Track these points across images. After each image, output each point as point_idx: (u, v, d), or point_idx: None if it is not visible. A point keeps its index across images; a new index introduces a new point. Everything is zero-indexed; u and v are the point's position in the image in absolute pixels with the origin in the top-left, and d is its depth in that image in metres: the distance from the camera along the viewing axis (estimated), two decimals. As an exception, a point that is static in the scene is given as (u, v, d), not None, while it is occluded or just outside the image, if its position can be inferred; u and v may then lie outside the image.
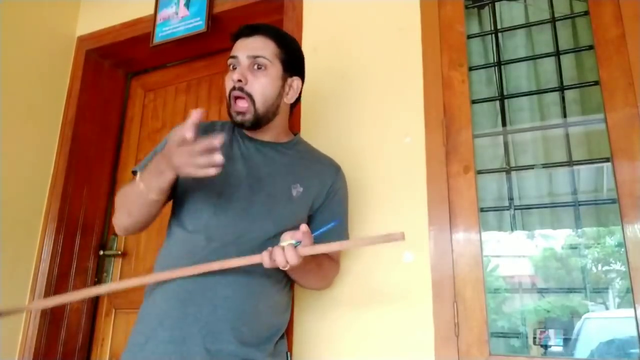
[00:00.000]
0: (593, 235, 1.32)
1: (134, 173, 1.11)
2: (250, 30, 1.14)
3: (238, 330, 1.05)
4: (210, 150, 0.89)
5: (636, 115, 1.22)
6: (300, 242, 0.97)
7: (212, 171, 0.90)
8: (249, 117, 1.11)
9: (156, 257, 1.17)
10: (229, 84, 1.12)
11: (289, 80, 1.18)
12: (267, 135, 1.20)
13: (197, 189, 1.12)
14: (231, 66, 1.14)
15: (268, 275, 1.10)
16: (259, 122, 1.14)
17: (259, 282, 1.10)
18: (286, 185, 1.18)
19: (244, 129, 1.16)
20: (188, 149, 0.89)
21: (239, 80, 1.10)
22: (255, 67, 1.12)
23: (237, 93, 1.10)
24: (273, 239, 1.09)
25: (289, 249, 0.95)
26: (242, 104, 1.11)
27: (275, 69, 1.13)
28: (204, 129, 1.13)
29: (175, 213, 1.15)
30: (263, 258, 0.97)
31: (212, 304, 1.04)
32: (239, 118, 1.12)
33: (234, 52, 1.14)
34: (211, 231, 1.09)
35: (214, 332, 1.03)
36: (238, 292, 1.07)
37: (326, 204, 1.22)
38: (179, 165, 0.92)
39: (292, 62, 1.18)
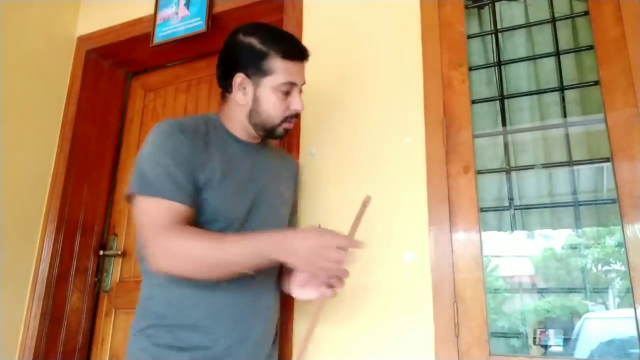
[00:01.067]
0: (593, 235, 1.32)
1: (140, 194, 1.02)
2: (304, 55, 1.15)
3: (270, 337, 1.18)
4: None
5: (636, 115, 1.22)
6: None
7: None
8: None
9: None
10: (285, 110, 1.13)
11: None
12: (251, 137, 1.21)
13: (210, 200, 1.08)
14: (286, 91, 1.12)
15: (275, 282, 1.21)
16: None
17: (277, 289, 1.21)
18: (277, 186, 1.24)
19: (273, 138, 1.20)
20: (336, 256, 0.95)
21: (297, 109, 1.14)
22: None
23: (294, 118, 1.16)
24: None
25: (341, 281, 1.07)
26: (292, 123, 1.17)
27: None
28: (193, 131, 1.08)
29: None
30: (327, 295, 1.07)
31: (262, 315, 1.14)
32: (284, 134, 1.17)
33: (295, 79, 1.12)
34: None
35: (259, 343, 1.14)
36: (272, 301, 1.19)
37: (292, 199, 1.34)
38: (313, 266, 0.97)
39: None
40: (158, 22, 1.98)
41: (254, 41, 1.11)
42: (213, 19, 1.89)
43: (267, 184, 1.20)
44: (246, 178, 1.15)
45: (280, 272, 1.23)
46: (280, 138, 1.21)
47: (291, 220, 1.36)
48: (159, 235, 0.97)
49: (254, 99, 1.12)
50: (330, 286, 1.05)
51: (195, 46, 2.02)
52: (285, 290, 1.21)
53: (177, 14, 1.95)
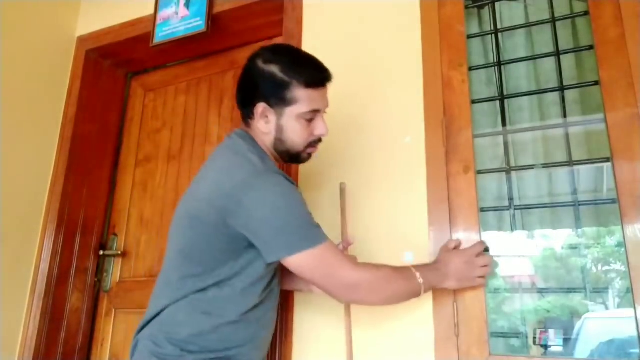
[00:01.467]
0: (593, 235, 1.32)
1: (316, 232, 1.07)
2: (326, 80, 1.16)
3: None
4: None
5: (636, 115, 1.22)
6: None
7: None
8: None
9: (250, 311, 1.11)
10: (310, 137, 1.14)
11: None
12: None
13: None
14: (307, 119, 1.13)
15: None
16: None
17: None
18: None
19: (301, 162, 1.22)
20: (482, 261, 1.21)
21: (322, 134, 1.16)
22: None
23: (318, 143, 1.18)
24: None
25: None
26: (316, 148, 1.19)
27: None
28: (284, 175, 1.09)
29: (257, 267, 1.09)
30: None
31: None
32: (308, 158, 1.20)
33: (317, 107, 1.13)
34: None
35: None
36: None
37: None
38: (469, 279, 1.21)
39: None
40: (158, 22, 1.98)
41: (275, 69, 1.09)
42: (213, 19, 1.89)
43: None
44: None
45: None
46: (304, 162, 1.21)
47: None
48: (352, 271, 1.06)
49: (277, 128, 1.12)
50: None
51: (195, 46, 2.02)
52: (302, 288, 1.30)
53: (177, 14, 1.95)
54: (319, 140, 1.17)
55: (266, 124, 1.12)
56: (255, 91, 1.11)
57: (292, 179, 1.52)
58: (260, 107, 1.10)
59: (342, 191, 1.18)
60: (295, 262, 1.02)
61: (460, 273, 1.19)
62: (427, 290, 1.15)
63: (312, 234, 1.04)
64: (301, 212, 1.05)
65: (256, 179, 1.03)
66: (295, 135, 1.12)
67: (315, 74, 1.12)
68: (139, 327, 1.14)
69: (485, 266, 1.22)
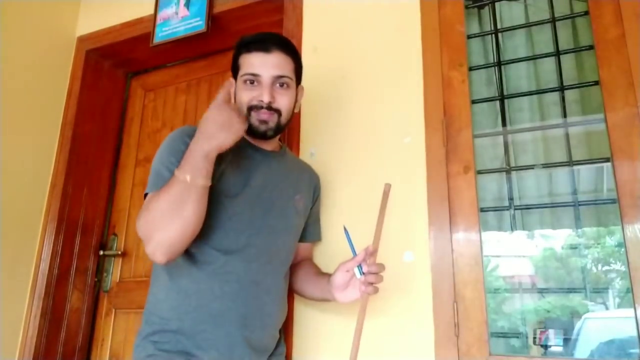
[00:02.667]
0: (593, 235, 1.32)
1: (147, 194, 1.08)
2: (267, 45, 1.14)
3: (274, 340, 1.21)
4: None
5: (636, 115, 1.22)
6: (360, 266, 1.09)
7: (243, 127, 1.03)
8: (272, 126, 1.15)
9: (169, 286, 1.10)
10: (251, 100, 1.13)
11: (298, 89, 1.23)
12: (269, 145, 1.23)
13: (226, 207, 1.11)
14: (249, 81, 1.14)
15: (283, 290, 1.23)
16: (278, 133, 1.19)
17: (283, 298, 1.24)
18: (291, 196, 1.25)
19: (260, 136, 1.17)
20: (226, 107, 1.02)
21: (261, 100, 1.13)
22: (278, 85, 1.15)
23: (264, 111, 1.13)
24: (290, 253, 1.24)
25: (378, 276, 1.08)
26: (266, 115, 1.14)
27: (293, 84, 1.19)
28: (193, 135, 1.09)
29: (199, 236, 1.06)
30: (369, 292, 1.08)
31: (262, 322, 1.14)
32: (262, 127, 1.14)
33: (255, 70, 1.13)
34: (250, 250, 1.13)
35: (261, 349, 1.15)
36: (278, 306, 1.20)
37: (312, 210, 1.36)
38: (221, 128, 1.00)
39: (300, 73, 1.24)
40: (158, 22, 1.98)
41: (235, 46, 1.19)
42: (213, 19, 1.89)
43: (281, 192, 1.22)
44: (260, 184, 1.17)
45: (315, 279, 1.25)
46: (264, 134, 1.16)
47: (313, 231, 1.37)
48: (138, 222, 1.02)
49: (235, 95, 1.17)
50: (369, 284, 1.08)
51: (195, 46, 2.02)
52: (326, 297, 1.20)
53: (177, 14, 1.95)
54: (266, 108, 1.13)
55: (232, 94, 1.18)
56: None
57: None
58: (231, 83, 1.17)
59: (385, 193, 1.12)
60: None
61: (216, 124, 1.02)
62: (200, 171, 0.97)
63: (156, 180, 1.07)
64: (163, 161, 1.08)
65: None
66: (239, 98, 1.15)
67: (255, 40, 1.15)
68: None
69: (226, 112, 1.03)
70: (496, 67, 1.49)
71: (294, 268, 1.31)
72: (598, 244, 1.31)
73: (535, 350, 1.30)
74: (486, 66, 1.50)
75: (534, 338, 1.30)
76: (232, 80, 1.17)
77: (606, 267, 1.31)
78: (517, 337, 1.32)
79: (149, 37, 1.98)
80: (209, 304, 1.07)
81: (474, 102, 1.43)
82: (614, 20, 1.30)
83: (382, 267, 1.08)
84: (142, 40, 2.03)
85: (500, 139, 1.45)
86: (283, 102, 1.15)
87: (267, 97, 1.12)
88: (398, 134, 1.45)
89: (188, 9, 1.93)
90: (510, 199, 1.39)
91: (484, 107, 1.47)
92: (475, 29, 1.55)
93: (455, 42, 1.46)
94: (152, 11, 2.01)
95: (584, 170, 1.34)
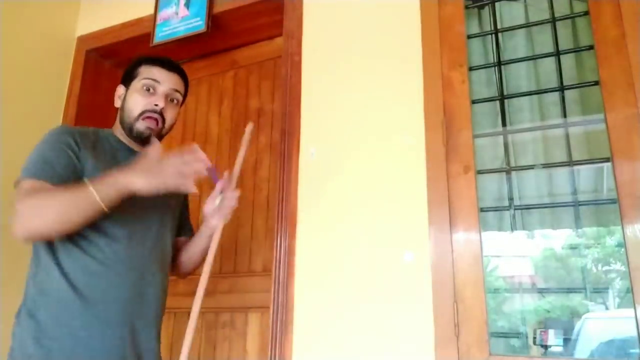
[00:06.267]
0: (593, 235, 1.32)
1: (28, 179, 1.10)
2: (169, 66, 1.27)
3: (157, 326, 1.21)
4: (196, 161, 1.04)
5: (636, 115, 1.22)
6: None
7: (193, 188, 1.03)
8: (155, 133, 1.24)
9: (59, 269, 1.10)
10: (146, 105, 1.22)
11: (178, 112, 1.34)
12: (143, 149, 1.26)
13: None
14: (145, 87, 1.23)
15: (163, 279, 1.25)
16: (157, 138, 1.26)
17: (165, 276, 1.26)
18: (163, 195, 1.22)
19: (141, 141, 1.24)
20: (179, 160, 1.02)
21: (157, 105, 1.23)
22: (170, 99, 1.26)
23: (154, 115, 1.23)
24: (170, 249, 1.29)
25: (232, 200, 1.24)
26: (154, 123, 1.23)
27: (179, 104, 1.31)
28: (80, 134, 1.17)
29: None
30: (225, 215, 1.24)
31: (146, 306, 1.17)
32: (147, 132, 1.23)
33: (157, 77, 1.24)
34: (136, 238, 1.17)
35: (143, 334, 1.16)
36: (159, 290, 1.21)
37: (183, 208, 1.41)
38: (166, 178, 1.00)
39: (184, 102, 1.35)
40: (158, 22, 1.98)
41: (135, 59, 1.29)
42: (213, 19, 1.89)
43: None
44: None
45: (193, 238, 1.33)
46: (146, 139, 1.22)
47: (185, 226, 1.41)
48: (23, 198, 1.04)
49: (124, 99, 1.27)
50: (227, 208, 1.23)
51: (195, 46, 2.02)
52: (202, 235, 1.30)
53: (177, 14, 1.95)
54: (157, 113, 1.22)
55: (118, 99, 1.29)
56: (121, 81, 1.31)
57: (292, 183, 1.54)
58: (120, 89, 1.29)
59: (248, 132, 1.27)
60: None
61: (150, 168, 1.02)
62: (110, 198, 1.01)
63: (30, 168, 1.11)
64: (39, 152, 1.13)
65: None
66: (132, 103, 1.23)
67: (157, 58, 1.28)
68: None
69: (188, 164, 1.03)
70: (496, 67, 1.49)
71: (177, 257, 1.35)
72: (598, 244, 1.31)
73: (535, 350, 1.30)
74: (486, 66, 1.50)
75: (534, 338, 1.30)
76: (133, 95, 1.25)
77: (606, 267, 1.31)
78: (517, 337, 1.32)
79: (149, 37, 1.98)
80: None
81: (474, 102, 1.43)
82: (614, 20, 1.30)
83: (236, 192, 1.23)
84: (142, 40, 2.02)
85: (500, 139, 1.45)
86: (170, 114, 1.26)
87: (162, 102, 1.22)
88: (398, 134, 1.45)
89: (188, 9, 1.94)
90: (510, 199, 1.39)
91: (484, 107, 1.47)
92: (475, 29, 1.55)
93: (455, 42, 1.46)
94: (152, 11, 2.01)
95: (584, 170, 1.34)
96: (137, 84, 1.24)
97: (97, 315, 1.08)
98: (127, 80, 1.28)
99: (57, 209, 1.02)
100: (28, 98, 1.99)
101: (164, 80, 1.25)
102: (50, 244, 1.11)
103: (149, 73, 1.24)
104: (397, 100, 1.48)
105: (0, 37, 1.89)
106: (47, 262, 1.11)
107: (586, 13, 1.38)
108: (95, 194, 1.00)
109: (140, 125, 1.22)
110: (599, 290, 1.29)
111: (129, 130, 1.24)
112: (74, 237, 1.09)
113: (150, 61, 1.27)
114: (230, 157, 1.92)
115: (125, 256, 1.13)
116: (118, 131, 1.28)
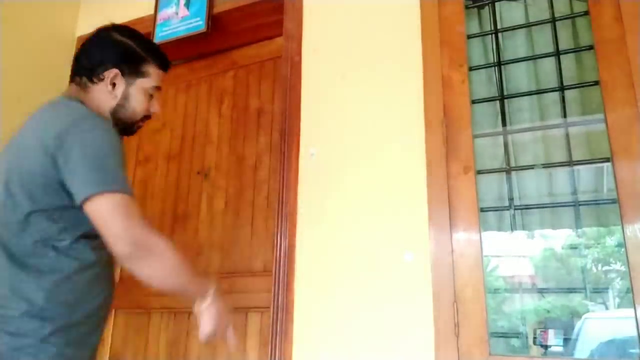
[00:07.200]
0: (593, 235, 1.32)
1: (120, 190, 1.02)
2: (168, 67, 1.25)
3: None
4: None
5: (636, 115, 1.22)
6: None
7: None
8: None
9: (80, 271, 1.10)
10: (148, 109, 1.21)
11: None
12: None
13: None
14: (151, 94, 1.21)
15: None
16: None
17: None
18: None
19: (124, 135, 1.24)
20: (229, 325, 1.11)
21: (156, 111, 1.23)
22: None
23: (149, 117, 1.23)
24: None
25: None
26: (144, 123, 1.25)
27: None
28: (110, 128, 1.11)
29: (84, 228, 1.04)
30: None
31: None
32: (135, 129, 1.24)
33: (161, 84, 1.23)
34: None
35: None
36: None
37: None
38: (222, 322, 1.09)
39: None
40: (158, 22, 1.98)
41: (132, 43, 1.19)
42: (213, 19, 1.89)
43: None
44: None
45: None
46: (131, 135, 1.26)
47: None
48: (150, 233, 1.02)
49: (124, 95, 1.17)
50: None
51: (195, 46, 2.02)
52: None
53: (177, 14, 1.95)
54: (149, 117, 1.24)
55: (113, 89, 1.16)
56: (108, 56, 1.17)
57: (292, 183, 1.54)
58: (113, 72, 1.15)
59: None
60: (99, 201, 0.98)
61: (226, 311, 1.11)
62: (198, 294, 1.08)
63: (123, 181, 1.02)
64: (118, 159, 1.05)
65: (84, 119, 1.05)
66: (138, 105, 1.19)
67: (165, 59, 1.24)
68: None
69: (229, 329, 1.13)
70: (496, 67, 1.49)
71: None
72: (598, 244, 1.32)
73: (535, 350, 1.30)
74: (486, 66, 1.50)
75: (534, 338, 1.30)
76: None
77: (606, 267, 1.32)
78: (517, 337, 1.32)
79: (149, 37, 1.98)
80: None
81: (474, 102, 1.43)
82: (614, 20, 1.30)
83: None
84: (142, 40, 2.02)
85: (500, 139, 1.45)
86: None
87: (159, 109, 1.24)
88: (398, 134, 1.45)
89: (188, 9, 1.94)
90: (510, 199, 1.39)
91: (484, 107, 1.47)
92: (475, 29, 1.55)
93: (455, 42, 1.46)
94: (152, 11, 2.01)
95: (584, 170, 1.34)
96: (144, 84, 1.18)
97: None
98: (128, 71, 1.17)
99: (182, 280, 1.07)
100: (28, 98, 1.98)
101: (163, 85, 1.25)
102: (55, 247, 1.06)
103: (157, 79, 1.21)
104: (397, 101, 1.48)
105: (1, 37, 1.89)
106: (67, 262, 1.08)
107: (586, 13, 1.38)
108: (202, 287, 1.08)
109: (135, 128, 1.23)
110: (599, 290, 1.29)
111: (122, 124, 1.19)
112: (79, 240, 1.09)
113: (159, 64, 1.22)
114: (230, 157, 1.93)
115: (109, 255, 1.14)
116: (100, 113, 1.15)
